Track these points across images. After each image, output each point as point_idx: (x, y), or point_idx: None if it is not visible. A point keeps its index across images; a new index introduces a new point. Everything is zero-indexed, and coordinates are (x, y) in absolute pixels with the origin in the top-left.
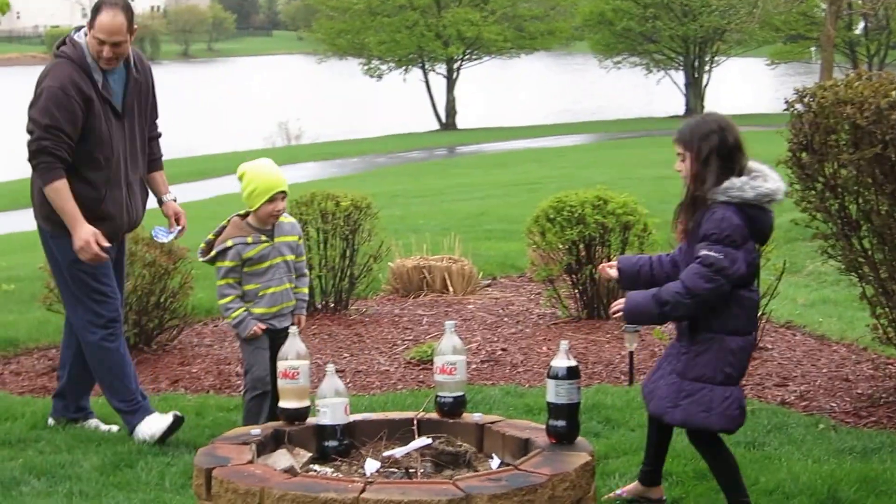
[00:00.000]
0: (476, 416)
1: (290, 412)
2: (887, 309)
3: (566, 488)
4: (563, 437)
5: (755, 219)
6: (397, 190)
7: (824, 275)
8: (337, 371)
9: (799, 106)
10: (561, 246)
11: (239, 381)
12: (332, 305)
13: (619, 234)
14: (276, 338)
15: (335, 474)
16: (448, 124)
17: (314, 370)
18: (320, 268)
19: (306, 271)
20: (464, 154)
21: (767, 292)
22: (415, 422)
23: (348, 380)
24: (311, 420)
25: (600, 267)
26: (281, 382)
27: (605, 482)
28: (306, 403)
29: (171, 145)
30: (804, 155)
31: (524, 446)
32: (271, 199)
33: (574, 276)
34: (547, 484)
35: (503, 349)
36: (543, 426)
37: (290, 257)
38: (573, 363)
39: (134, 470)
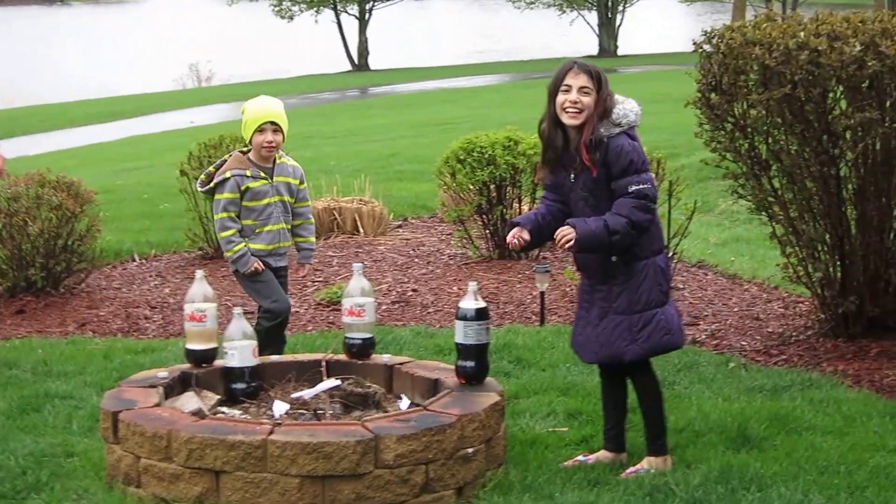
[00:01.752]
0: (385, 358)
1: (197, 354)
2: (797, 248)
3: (475, 428)
4: (473, 378)
5: (637, 139)
6: (309, 131)
7: (736, 214)
8: (246, 314)
9: (707, 47)
10: (472, 187)
11: (147, 325)
12: None
13: (529, 175)
14: (274, 276)
15: (243, 416)
16: (360, 65)
17: (224, 313)
18: None
19: (311, 218)
20: (376, 95)
21: (679, 232)
22: (323, 363)
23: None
24: (218, 362)
25: (510, 239)
26: (188, 325)
27: (515, 421)
28: (213, 345)
29: (82, 87)
30: (713, 95)
31: (433, 387)
32: (260, 130)
33: (485, 216)
34: (456, 424)
35: (414, 290)
36: (453, 367)
37: (288, 199)
38: (482, 304)
39: (41, 414)
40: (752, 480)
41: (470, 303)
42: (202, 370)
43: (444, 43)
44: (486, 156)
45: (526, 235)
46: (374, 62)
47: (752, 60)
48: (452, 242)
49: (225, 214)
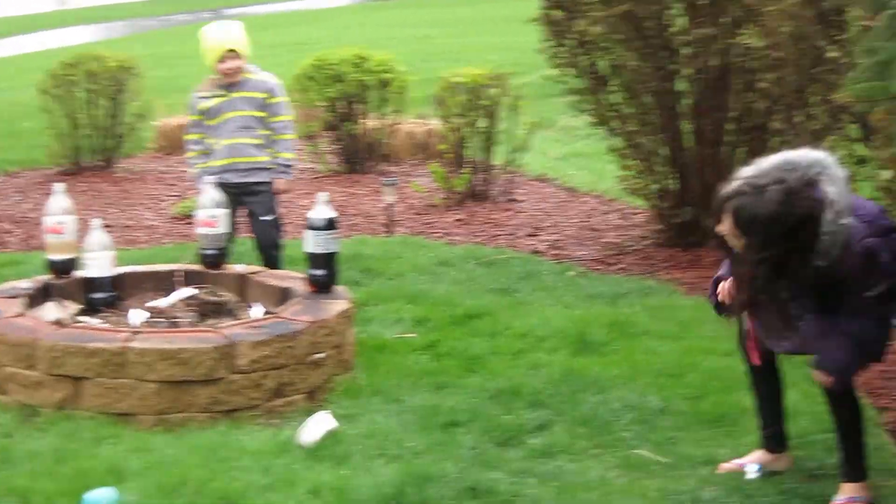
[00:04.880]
0: (238, 267)
1: (57, 265)
2: (634, 161)
3: (326, 334)
4: (322, 286)
5: None
6: (164, 52)
7: (576, 129)
8: (104, 226)
9: None
10: (321, 103)
11: (9, 238)
12: (100, 163)
13: (377, 91)
14: (239, 192)
15: (103, 325)
16: None
17: (82, 226)
18: (87, 127)
19: (285, 132)
20: (230, 16)
21: (520, 146)
22: (179, 273)
23: (116, 235)
24: (78, 273)
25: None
26: (49, 237)
27: (364, 328)
28: (73, 256)
29: None
30: (556, 12)
31: (285, 295)
32: (220, 59)
33: (334, 131)
34: (307, 330)
35: None
36: (304, 276)
37: (252, 113)
38: (331, 214)
39: None
40: (593, 383)
41: (320, 212)
42: (63, 280)
43: None
44: (336, 73)
45: None
46: None
47: None
48: (303, 157)
49: (188, 136)
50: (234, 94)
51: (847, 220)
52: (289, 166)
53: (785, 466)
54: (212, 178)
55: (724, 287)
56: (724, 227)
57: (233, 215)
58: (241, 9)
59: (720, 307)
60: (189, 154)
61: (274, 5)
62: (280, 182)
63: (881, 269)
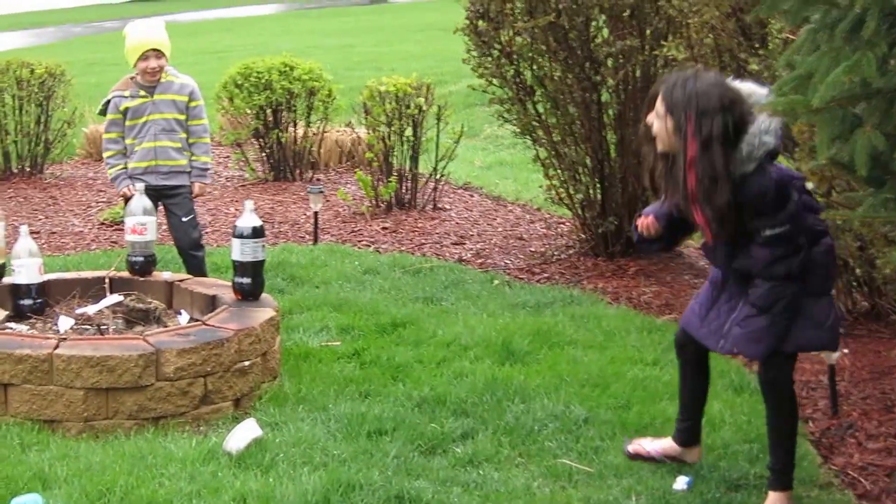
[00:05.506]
0: (166, 275)
1: None
2: (559, 171)
3: (252, 342)
4: (249, 294)
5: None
6: (94, 58)
7: (501, 138)
8: (32, 233)
9: None
10: (249, 111)
11: None
12: (28, 170)
13: (304, 100)
14: (159, 195)
15: (30, 332)
16: None
17: (10, 232)
18: (16, 133)
19: (204, 136)
20: None
21: (446, 155)
22: (107, 280)
23: (43, 241)
24: (6, 280)
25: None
26: None
27: (289, 336)
28: (0, 262)
29: None
30: (481, 22)
31: (211, 303)
32: (143, 57)
33: (261, 139)
34: (233, 338)
35: None
36: (230, 284)
37: (174, 116)
38: (258, 222)
39: None
40: (518, 392)
41: (246, 221)
42: None
43: None
44: (263, 80)
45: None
46: None
47: None
48: (230, 165)
49: (107, 136)
50: (158, 97)
51: (769, 139)
52: (206, 170)
53: (693, 460)
54: (140, 186)
55: (643, 221)
56: (653, 113)
57: None
58: (170, 16)
59: (641, 241)
60: (108, 154)
61: (198, 13)
62: (196, 185)
63: (787, 209)
